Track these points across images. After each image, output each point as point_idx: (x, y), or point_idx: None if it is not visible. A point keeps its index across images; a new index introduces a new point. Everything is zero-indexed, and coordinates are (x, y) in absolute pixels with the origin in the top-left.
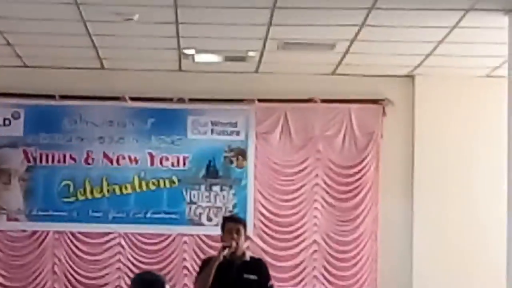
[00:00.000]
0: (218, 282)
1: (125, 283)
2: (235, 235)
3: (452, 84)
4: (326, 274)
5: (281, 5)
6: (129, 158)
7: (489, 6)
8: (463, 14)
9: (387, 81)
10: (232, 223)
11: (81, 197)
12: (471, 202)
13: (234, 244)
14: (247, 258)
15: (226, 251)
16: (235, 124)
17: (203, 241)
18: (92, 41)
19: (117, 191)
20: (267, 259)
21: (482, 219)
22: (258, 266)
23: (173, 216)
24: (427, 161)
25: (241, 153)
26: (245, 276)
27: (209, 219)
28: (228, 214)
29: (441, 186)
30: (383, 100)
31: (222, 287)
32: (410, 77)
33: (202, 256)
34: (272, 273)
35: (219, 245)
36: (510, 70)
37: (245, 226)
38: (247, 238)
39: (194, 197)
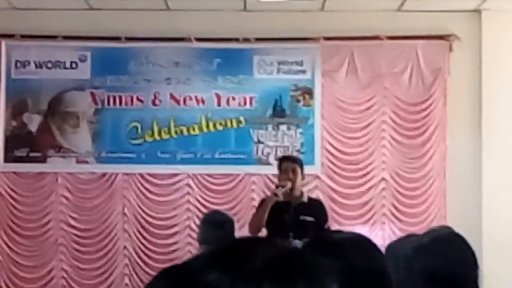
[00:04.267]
0: (275, 223)
1: (195, 223)
2: (291, 175)
3: None
4: (394, 211)
5: None
6: (196, 99)
7: None
8: None
9: (454, 16)
10: (288, 163)
11: (149, 139)
12: None
13: (289, 184)
14: (305, 199)
15: (279, 190)
16: (301, 63)
17: (271, 181)
18: None
19: (185, 132)
20: (335, 197)
21: None
22: (315, 207)
23: (240, 156)
24: (495, 96)
25: (308, 92)
26: (302, 217)
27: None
28: (280, 153)
29: (510, 121)
30: (449, 36)
31: (278, 228)
32: (477, 11)
33: None
34: (341, 211)
35: None
36: None
37: (301, 165)
38: (304, 177)
39: (261, 136)
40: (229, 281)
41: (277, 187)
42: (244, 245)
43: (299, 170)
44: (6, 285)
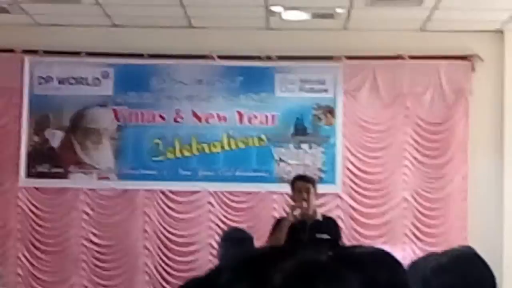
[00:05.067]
0: (292, 242)
1: (215, 241)
2: (305, 195)
3: None
4: (415, 231)
5: None
6: (218, 116)
7: None
8: None
9: (476, 36)
10: (302, 182)
11: (170, 156)
12: None
13: (304, 204)
14: (319, 217)
15: (296, 211)
16: (323, 82)
17: None
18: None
19: (206, 150)
20: (356, 216)
21: None
22: (329, 224)
23: (262, 174)
24: None
25: (330, 111)
26: (318, 235)
27: None
28: (300, 173)
29: None
30: (472, 56)
31: (295, 247)
32: (500, 32)
33: None
34: (361, 230)
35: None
36: None
37: (314, 184)
38: (318, 196)
39: (282, 155)
40: None
41: (293, 208)
42: (264, 260)
43: (312, 190)
44: None
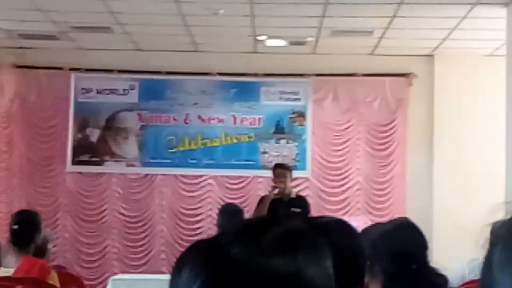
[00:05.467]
0: (272, 214)
1: (215, 213)
2: (282, 178)
3: (463, 61)
4: (366, 206)
5: (332, 1)
6: (217, 119)
7: (491, 0)
8: (471, 7)
9: (413, 59)
10: (280, 169)
11: (181, 149)
12: (480, 155)
13: (282, 185)
14: (294, 195)
15: (276, 191)
16: (297, 93)
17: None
18: (189, 30)
19: (208, 144)
20: (322, 195)
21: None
22: (301, 202)
23: (250, 163)
24: (444, 121)
25: (302, 115)
26: (292, 209)
27: None
28: (279, 161)
29: (456, 139)
30: (409, 74)
31: (277, 218)
32: (431, 56)
33: None
34: (326, 205)
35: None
36: (508, 49)
37: (290, 171)
38: (292, 180)
39: (266, 148)
40: (247, 254)
41: (274, 188)
42: (260, 225)
43: (288, 175)
44: (73, 259)
